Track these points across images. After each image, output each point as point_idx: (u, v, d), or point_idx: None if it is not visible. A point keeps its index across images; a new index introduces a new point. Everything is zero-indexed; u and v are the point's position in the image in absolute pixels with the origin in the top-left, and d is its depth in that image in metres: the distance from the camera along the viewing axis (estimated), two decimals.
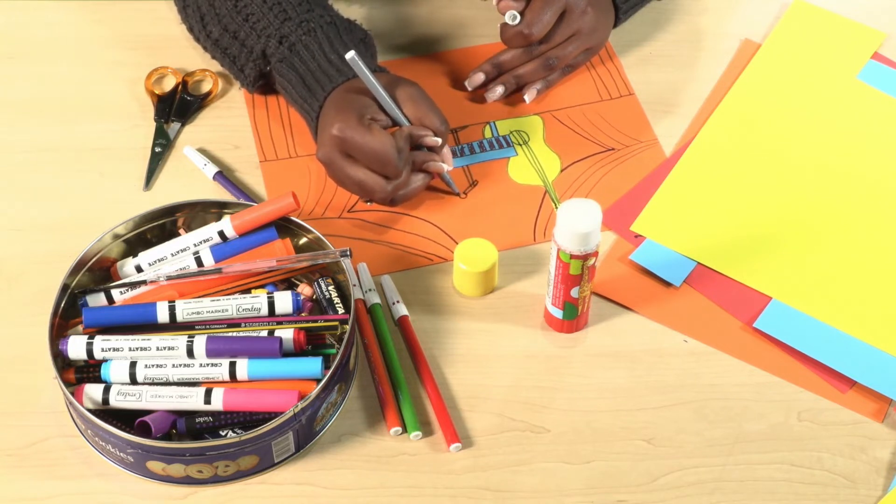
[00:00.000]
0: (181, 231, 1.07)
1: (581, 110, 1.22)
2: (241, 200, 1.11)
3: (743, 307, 1.06)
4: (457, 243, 1.09)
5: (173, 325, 0.99)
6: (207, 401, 0.94)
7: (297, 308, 1.00)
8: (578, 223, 0.96)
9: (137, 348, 0.96)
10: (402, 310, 1.05)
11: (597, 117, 1.21)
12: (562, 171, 1.16)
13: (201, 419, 0.95)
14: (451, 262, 1.08)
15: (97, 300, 1.02)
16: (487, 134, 1.20)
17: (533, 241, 1.11)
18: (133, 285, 1.02)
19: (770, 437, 0.98)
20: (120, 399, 0.95)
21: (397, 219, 1.13)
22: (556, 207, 1.13)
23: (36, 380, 1.01)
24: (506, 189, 1.15)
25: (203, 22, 1.18)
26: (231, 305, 0.99)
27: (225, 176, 1.14)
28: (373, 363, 1.02)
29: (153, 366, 0.96)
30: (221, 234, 1.04)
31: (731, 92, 1.22)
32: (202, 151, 1.17)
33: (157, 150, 1.17)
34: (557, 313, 1.03)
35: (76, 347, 0.96)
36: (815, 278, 1.08)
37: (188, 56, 1.26)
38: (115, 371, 0.96)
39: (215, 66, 1.24)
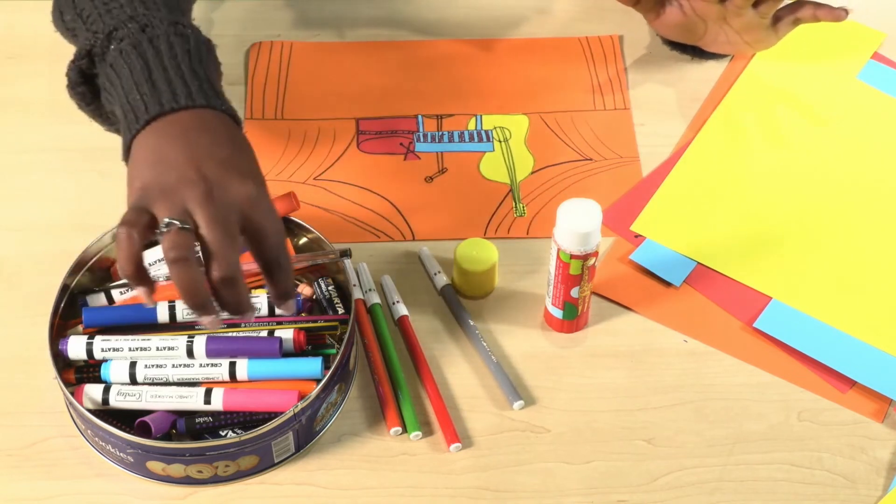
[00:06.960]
0: None
1: (570, 116, 1.21)
2: None
3: (743, 307, 1.06)
4: (409, 224, 1.10)
5: (173, 325, 0.99)
6: (207, 401, 0.94)
7: (297, 308, 1.00)
8: (578, 223, 0.96)
9: (137, 348, 0.96)
10: (402, 310, 1.05)
11: (584, 126, 1.20)
12: (532, 172, 1.16)
13: (201, 419, 0.95)
14: (399, 242, 1.08)
15: (97, 300, 1.02)
16: (471, 126, 1.20)
17: (483, 236, 1.11)
18: None
19: (770, 437, 0.98)
20: (120, 399, 0.95)
21: (356, 193, 1.14)
22: (516, 207, 1.13)
23: (36, 380, 1.01)
24: (472, 182, 1.15)
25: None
26: None
27: None
28: (373, 363, 1.01)
29: (153, 366, 0.96)
30: None
31: (730, 92, 1.22)
32: None
33: None
34: (557, 313, 1.03)
35: (76, 347, 0.96)
36: (815, 278, 1.08)
37: None
38: (115, 371, 0.96)
39: None
